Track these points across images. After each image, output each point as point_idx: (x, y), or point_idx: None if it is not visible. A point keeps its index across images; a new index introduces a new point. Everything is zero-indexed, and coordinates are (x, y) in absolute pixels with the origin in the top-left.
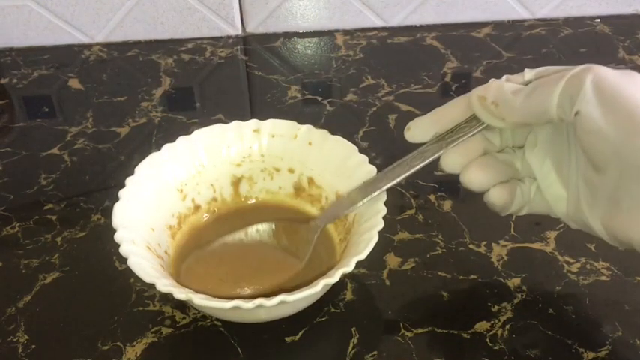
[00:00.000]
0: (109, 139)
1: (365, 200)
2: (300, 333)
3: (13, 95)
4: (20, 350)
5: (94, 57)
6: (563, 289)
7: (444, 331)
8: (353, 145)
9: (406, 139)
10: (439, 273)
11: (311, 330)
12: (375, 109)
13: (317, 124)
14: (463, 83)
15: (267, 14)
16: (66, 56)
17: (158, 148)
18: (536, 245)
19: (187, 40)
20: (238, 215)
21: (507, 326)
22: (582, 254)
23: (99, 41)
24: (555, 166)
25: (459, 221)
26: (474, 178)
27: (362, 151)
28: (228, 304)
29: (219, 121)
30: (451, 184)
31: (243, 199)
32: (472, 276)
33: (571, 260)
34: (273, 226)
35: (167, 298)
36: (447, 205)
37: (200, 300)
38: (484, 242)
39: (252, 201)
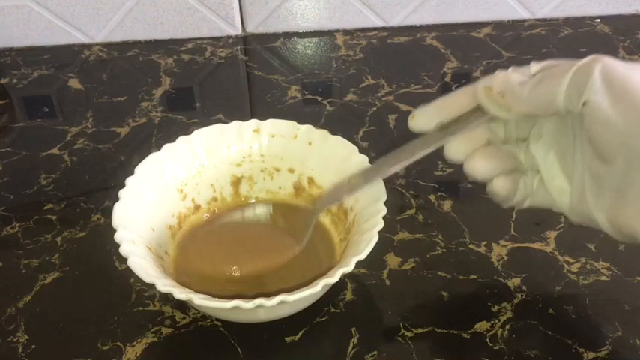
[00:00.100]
0: (109, 139)
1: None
2: (300, 333)
3: (13, 95)
4: (20, 350)
5: (94, 57)
6: (563, 289)
7: (444, 331)
8: (353, 145)
9: (409, 127)
10: (439, 273)
11: (311, 330)
12: (375, 109)
13: (317, 124)
14: (463, 83)
15: (267, 14)
16: (66, 56)
17: (158, 148)
18: (536, 245)
19: (187, 40)
20: None
21: (507, 326)
22: (582, 254)
23: (99, 41)
24: (559, 159)
25: (459, 221)
26: (478, 167)
27: (362, 151)
28: (228, 304)
29: (219, 121)
30: (451, 184)
31: (243, 199)
32: (472, 276)
33: (571, 260)
34: (271, 209)
35: (167, 298)
36: (447, 205)
37: (200, 300)
38: (484, 242)
39: (252, 201)
